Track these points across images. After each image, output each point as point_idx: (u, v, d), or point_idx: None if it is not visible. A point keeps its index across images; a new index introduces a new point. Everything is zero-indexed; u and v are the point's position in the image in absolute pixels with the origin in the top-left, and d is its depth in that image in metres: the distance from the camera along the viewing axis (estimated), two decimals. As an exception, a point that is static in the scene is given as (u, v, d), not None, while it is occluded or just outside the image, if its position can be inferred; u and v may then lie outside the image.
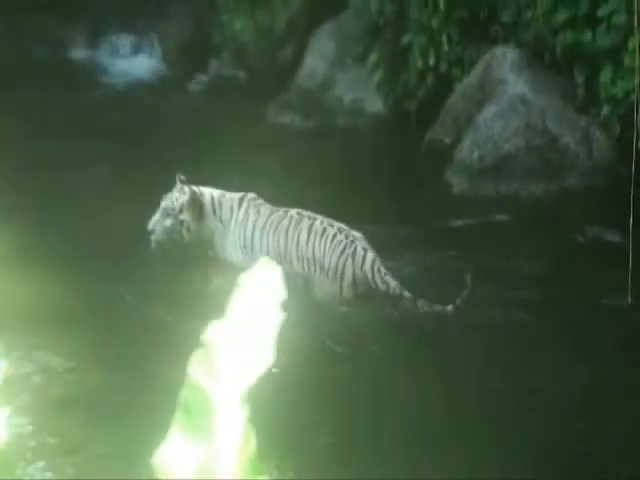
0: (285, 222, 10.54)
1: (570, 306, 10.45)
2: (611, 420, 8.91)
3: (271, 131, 13.79)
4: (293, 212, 10.56)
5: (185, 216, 10.78)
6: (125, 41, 15.65)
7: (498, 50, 12.92)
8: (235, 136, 13.56)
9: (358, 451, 8.61)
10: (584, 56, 12.32)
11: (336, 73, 13.95)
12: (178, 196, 10.80)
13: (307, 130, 13.76)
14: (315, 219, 10.43)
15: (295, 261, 10.39)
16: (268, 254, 10.24)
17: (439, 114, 13.16)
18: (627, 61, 11.63)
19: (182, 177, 10.86)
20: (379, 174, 12.82)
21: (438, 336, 10.06)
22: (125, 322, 10.45)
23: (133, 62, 15.55)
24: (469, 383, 9.59)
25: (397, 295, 10.11)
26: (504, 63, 12.79)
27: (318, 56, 14.08)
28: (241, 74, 15.04)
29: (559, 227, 11.80)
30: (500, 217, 12.10)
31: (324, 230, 10.33)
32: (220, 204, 10.87)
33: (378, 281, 10.04)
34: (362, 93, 13.80)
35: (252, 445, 1.88)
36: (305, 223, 10.44)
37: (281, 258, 10.38)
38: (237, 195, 10.88)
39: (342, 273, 10.19)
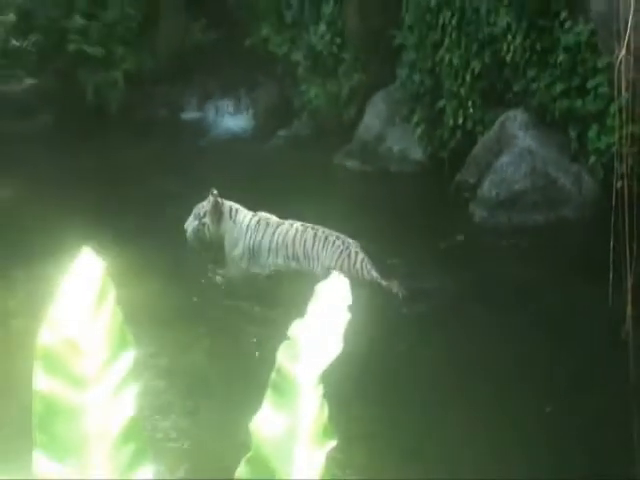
0: (292, 231, 11.11)
1: (559, 306, 10.59)
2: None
3: (336, 173, 14.08)
4: (298, 224, 11.16)
5: (206, 220, 11.36)
6: (226, 104, 15.86)
7: (511, 113, 13.18)
8: (307, 176, 13.79)
9: (401, 419, 8.58)
10: (576, 118, 12.57)
11: (387, 129, 14.17)
12: (205, 204, 11.36)
13: (364, 172, 14.00)
14: (317, 229, 11.09)
15: (302, 259, 10.99)
16: (276, 254, 11.15)
17: (466, 161, 13.40)
18: (609, 122, 11.83)
19: (214, 191, 11.38)
20: (418, 205, 13.11)
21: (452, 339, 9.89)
22: (227, 322, 10.56)
23: (232, 120, 15.73)
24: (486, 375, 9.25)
25: (378, 282, 10.66)
26: (515, 123, 13.08)
27: (373, 116, 14.29)
28: (314, 130, 15.08)
29: (557, 246, 11.99)
30: (511, 239, 12.27)
31: (326, 238, 11.00)
32: (236, 212, 11.39)
33: (365, 274, 10.74)
34: (407, 144, 14.01)
35: (325, 414, 1.86)
36: (309, 232, 11.06)
37: (288, 258, 11.07)
38: (252, 212, 11.35)
39: (339, 269, 10.44)
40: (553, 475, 8.15)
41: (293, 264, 11.08)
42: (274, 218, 11.35)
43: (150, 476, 1.87)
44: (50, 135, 14.83)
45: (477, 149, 13.38)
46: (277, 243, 11.21)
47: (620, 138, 10.93)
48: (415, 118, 13.96)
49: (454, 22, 13.52)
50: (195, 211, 11.49)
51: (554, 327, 10.25)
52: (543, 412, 8.95)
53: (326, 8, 14.74)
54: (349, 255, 10.93)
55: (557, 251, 11.97)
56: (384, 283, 10.73)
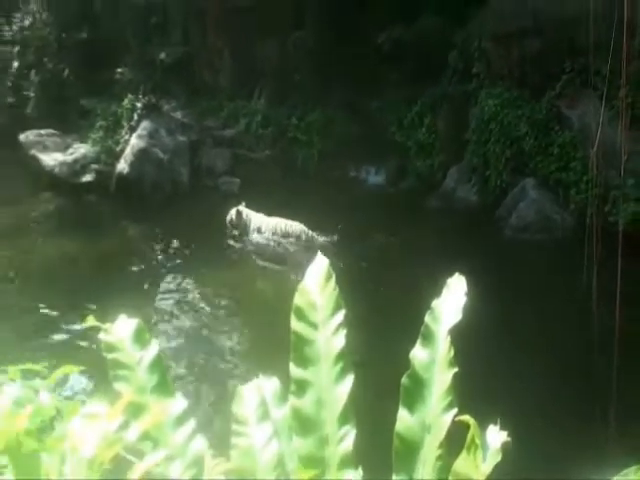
0: (274, 221, 11.69)
1: (552, 288, 10.47)
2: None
3: (429, 209, 13.72)
4: (277, 219, 11.69)
5: (233, 216, 11.83)
6: (370, 169, 15.47)
7: (527, 180, 13.00)
8: (412, 209, 13.59)
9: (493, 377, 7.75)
10: (563, 184, 12.46)
11: (458, 186, 13.89)
12: (233, 210, 11.84)
13: (444, 208, 13.60)
14: (287, 221, 11.58)
15: (279, 235, 11.49)
16: (268, 232, 11.59)
17: (501, 204, 13.13)
18: (582, 187, 11.86)
19: (243, 202, 11.91)
20: (473, 229, 12.71)
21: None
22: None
23: (373, 178, 15.35)
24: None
25: (325, 242, 11.33)
26: (529, 185, 12.89)
27: (451, 179, 14.06)
28: (419, 185, 14.67)
29: (551, 254, 11.70)
30: (525, 248, 12.11)
31: (291, 225, 11.56)
32: (250, 214, 11.82)
33: (316, 239, 11.45)
34: (468, 195, 13.73)
35: (452, 353, 1.72)
36: (283, 221, 11.61)
37: (273, 231, 11.52)
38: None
39: (302, 236, 11.46)
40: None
41: (275, 237, 11.53)
42: (270, 217, 11.86)
43: (350, 382, 1.76)
44: (278, 184, 14.80)
45: (508, 199, 13.17)
46: (270, 225, 11.70)
47: (589, 196, 11.09)
48: (473, 180, 13.82)
49: (497, 129, 13.37)
50: (230, 211, 11.95)
51: (548, 300, 10.09)
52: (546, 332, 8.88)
53: (426, 120, 14.78)
54: (306, 232, 11.51)
55: (551, 256, 11.71)
56: (327, 243, 11.35)
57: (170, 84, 16.96)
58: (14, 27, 17.92)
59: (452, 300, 1.80)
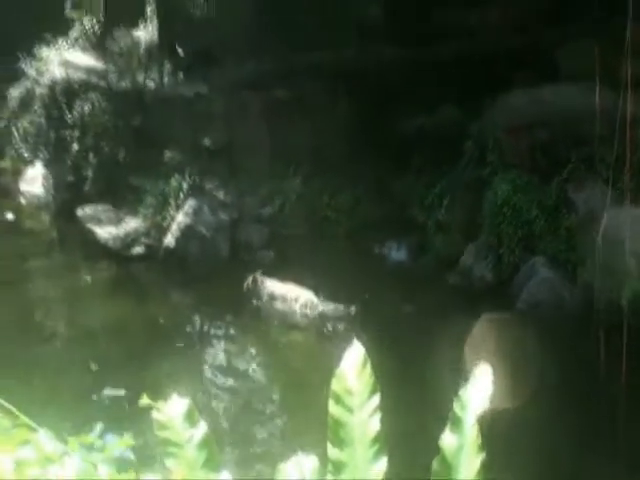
0: (285, 286, 11.52)
1: (568, 339, 10.13)
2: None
3: (447, 285, 13.36)
4: (289, 285, 11.64)
5: (249, 284, 11.85)
6: (392, 245, 15.13)
7: (537, 258, 12.76)
8: (428, 284, 13.22)
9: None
10: (571, 262, 12.34)
11: (474, 263, 13.61)
12: (250, 278, 11.83)
13: (460, 284, 13.37)
14: (297, 288, 11.49)
15: (289, 298, 11.37)
16: (280, 295, 11.44)
17: (514, 280, 12.95)
18: (588, 264, 11.65)
19: (260, 271, 12.06)
20: (486, 303, 12.20)
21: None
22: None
23: (396, 254, 14.99)
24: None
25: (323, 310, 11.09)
26: (539, 264, 12.66)
27: (467, 257, 13.79)
28: (438, 261, 14.26)
29: (561, 324, 11.46)
30: (541, 319, 11.68)
31: (301, 291, 11.51)
32: (264, 281, 11.72)
33: (320, 308, 11.12)
34: (485, 272, 13.44)
35: (479, 439, 1.68)
36: (293, 287, 11.50)
37: (284, 297, 11.38)
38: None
39: (306, 304, 11.19)
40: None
41: (284, 304, 11.28)
42: (282, 285, 11.63)
43: (384, 464, 1.76)
44: (308, 258, 14.10)
45: (519, 275, 12.95)
46: (281, 292, 11.47)
47: (596, 272, 10.98)
48: (489, 258, 13.62)
49: (509, 213, 13.33)
50: (247, 279, 11.94)
51: (557, 372, 9.70)
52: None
53: (444, 201, 14.70)
54: (313, 301, 11.28)
55: (560, 330, 11.48)
56: (335, 313, 11.05)
57: (213, 166, 17.20)
58: (74, 113, 18.39)
59: (479, 389, 1.79)
